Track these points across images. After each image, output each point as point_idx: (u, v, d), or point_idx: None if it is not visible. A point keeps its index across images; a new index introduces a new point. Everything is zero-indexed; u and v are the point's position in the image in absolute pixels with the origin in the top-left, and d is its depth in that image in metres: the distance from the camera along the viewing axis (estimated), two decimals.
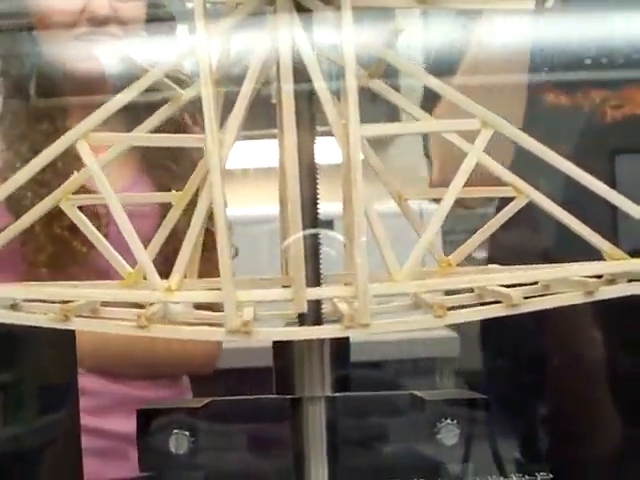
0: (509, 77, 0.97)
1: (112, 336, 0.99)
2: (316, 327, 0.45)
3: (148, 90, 0.43)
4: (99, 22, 1.05)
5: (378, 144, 0.49)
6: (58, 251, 1.05)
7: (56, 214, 0.46)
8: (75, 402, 0.61)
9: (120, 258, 0.47)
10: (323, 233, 0.48)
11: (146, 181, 1.12)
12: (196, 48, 0.43)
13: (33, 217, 0.45)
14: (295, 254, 0.42)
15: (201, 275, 0.51)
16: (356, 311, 0.42)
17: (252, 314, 0.43)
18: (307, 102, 0.47)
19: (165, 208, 0.49)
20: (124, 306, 0.47)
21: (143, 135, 0.44)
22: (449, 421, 0.55)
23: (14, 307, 0.45)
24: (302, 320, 0.46)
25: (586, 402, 1.02)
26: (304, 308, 0.42)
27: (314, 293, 0.44)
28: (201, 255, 0.50)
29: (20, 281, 0.49)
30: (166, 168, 1.10)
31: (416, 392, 0.56)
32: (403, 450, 0.57)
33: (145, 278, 0.44)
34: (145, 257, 0.43)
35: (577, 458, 0.99)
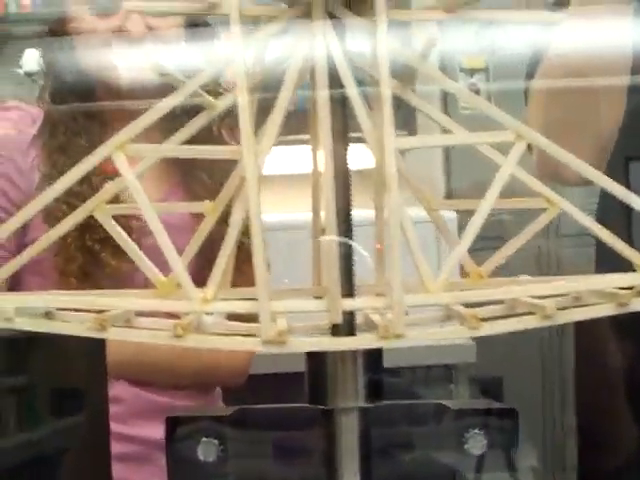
0: (601, 79, 0.96)
1: (142, 346, 0.99)
2: (351, 337, 0.45)
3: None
4: (135, 39, 1.07)
5: None
6: (88, 262, 1.06)
7: (88, 226, 0.46)
8: (105, 409, 0.61)
9: (153, 267, 0.46)
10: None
11: (180, 194, 1.13)
12: (232, 57, 0.43)
13: (66, 227, 0.45)
14: (330, 264, 0.42)
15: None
16: (390, 321, 0.42)
17: (286, 324, 0.43)
18: (340, 110, 0.46)
19: (199, 222, 0.49)
20: (155, 315, 0.47)
21: (178, 147, 0.44)
22: (477, 431, 0.55)
23: (47, 315, 0.45)
24: (335, 330, 0.46)
25: (611, 412, 1.02)
26: (340, 319, 0.42)
27: (349, 304, 0.44)
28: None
29: (50, 289, 0.49)
30: (201, 181, 1.11)
31: (444, 401, 0.56)
32: (431, 460, 0.56)
33: (179, 287, 0.44)
34: (180, 266, 0.43)
35: (603, 468, 0.99)
